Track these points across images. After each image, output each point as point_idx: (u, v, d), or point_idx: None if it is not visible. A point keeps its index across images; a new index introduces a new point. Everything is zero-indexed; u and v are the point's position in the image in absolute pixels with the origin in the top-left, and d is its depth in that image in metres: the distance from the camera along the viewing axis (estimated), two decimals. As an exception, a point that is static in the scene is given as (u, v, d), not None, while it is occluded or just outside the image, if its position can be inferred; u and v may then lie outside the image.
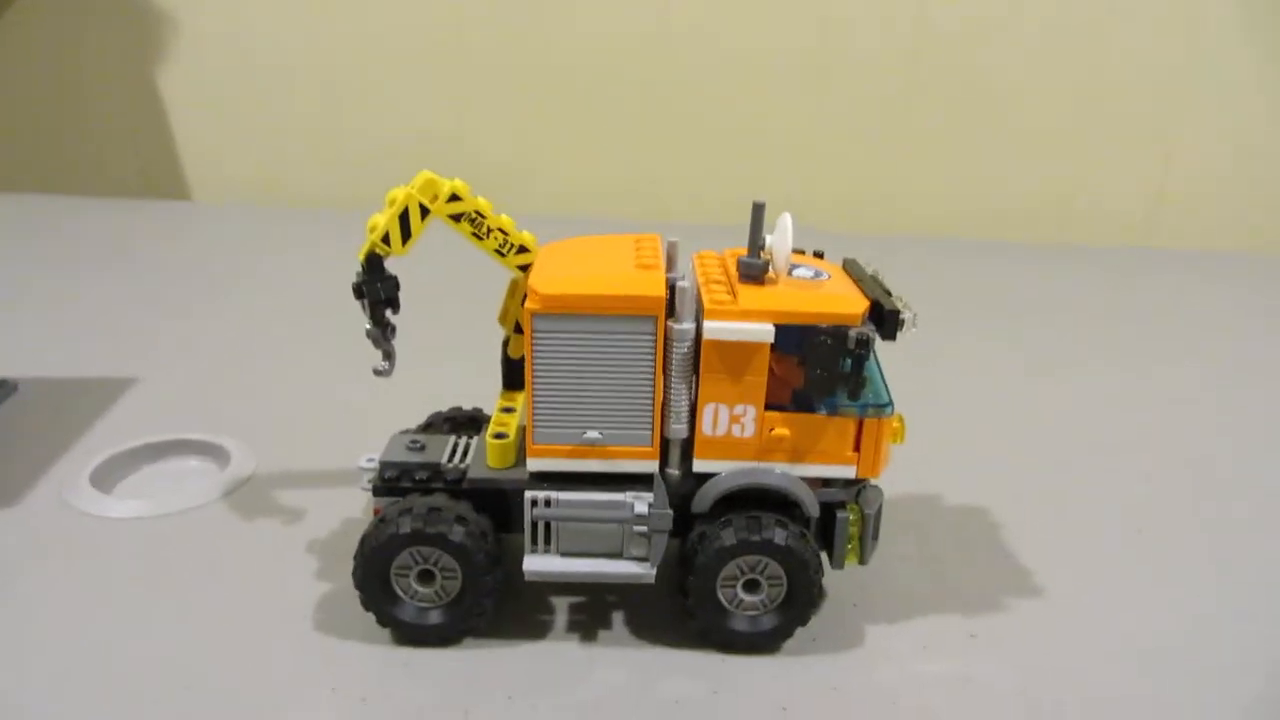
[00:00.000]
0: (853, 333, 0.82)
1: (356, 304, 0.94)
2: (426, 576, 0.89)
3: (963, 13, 2.40)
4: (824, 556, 0.92)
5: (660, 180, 2.57)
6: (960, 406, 1.46)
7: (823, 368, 0.84)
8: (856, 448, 0.88)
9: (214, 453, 1.26)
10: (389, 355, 0.96)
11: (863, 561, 0.93)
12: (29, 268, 1.94)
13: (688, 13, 2.43)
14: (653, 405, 0.86)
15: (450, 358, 1.56)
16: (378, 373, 0.96)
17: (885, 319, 0.83)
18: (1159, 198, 2.53)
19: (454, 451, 0.96)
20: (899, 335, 0.84)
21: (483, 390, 1.12)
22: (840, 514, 0.90)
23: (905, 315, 0.83)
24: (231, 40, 2.51)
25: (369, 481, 0.94)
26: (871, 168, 2.54)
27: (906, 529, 1.11)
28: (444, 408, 1.09)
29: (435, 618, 0.90)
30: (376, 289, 0.92)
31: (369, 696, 0.84)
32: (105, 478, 1.19)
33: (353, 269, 0.92)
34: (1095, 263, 2.33)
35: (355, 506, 1.13)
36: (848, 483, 0.90)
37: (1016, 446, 1.37)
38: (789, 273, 0.88)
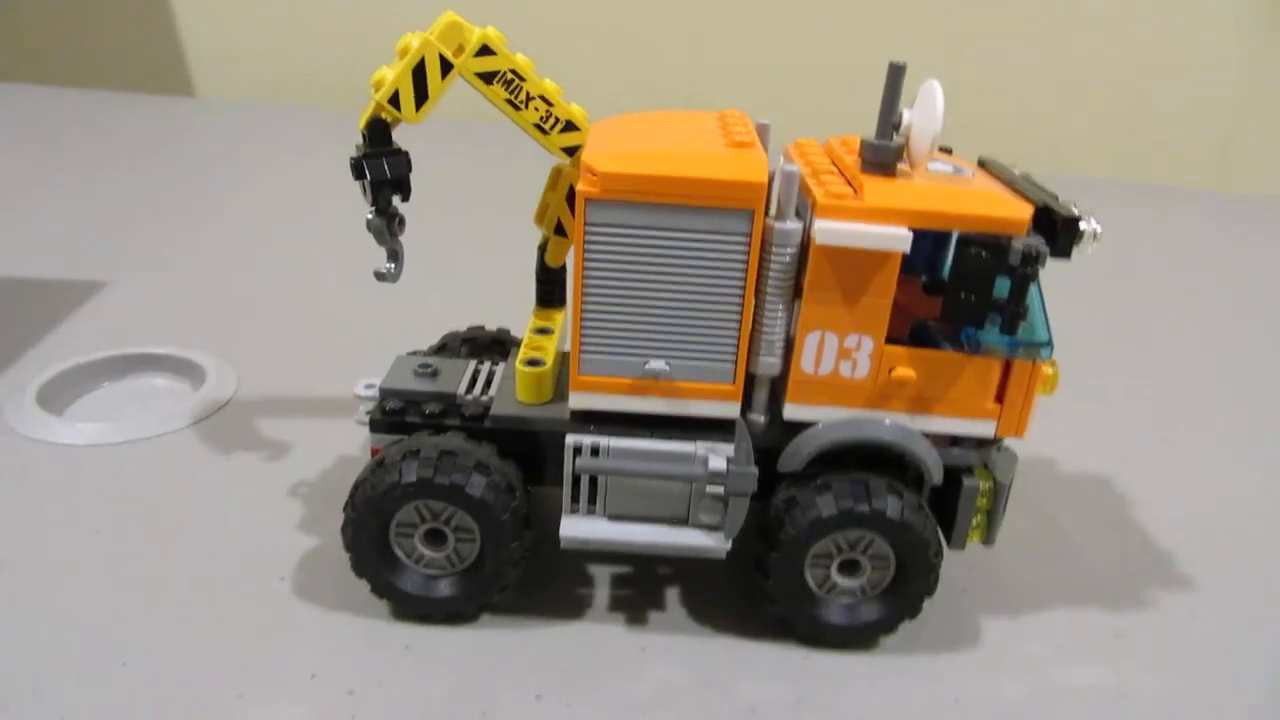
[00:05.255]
0: (1018, 244, 0.61)
1: (358, 192, 0.73)
2: (436, 537, 0.70)
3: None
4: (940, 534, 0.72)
5: (702, 81, 2.33)
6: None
7: (971, 290, 0.63)
8: (999, 398, 0.67)
9: (187, 370, 1.06)
10: (395, 255, 0.76)
11: (988, 542, 0.73)
12: (10, 161, 1.73)
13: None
14: (738, 330, 0.65)
15: (474, 265, 1.37)
16: (380, 276, 0.75)
17: (1060, 229, 0.62)
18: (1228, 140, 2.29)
19: (474, 380, 0.76)
20: (1076, 252, 0.63)
21: (511, 307, 0.92)
22: (968, 481, 0.70)
23: (1086, 225, 0.62)
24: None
25: (366, 414, 0.74)
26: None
27: (1020, 499, 0.91)
28: (462, 326, 0.89)
29: (445, 589, 0.71)
30: (381, 165, 0.71)
31: (357, 688, 0.66)
32: (55, 396, 1.00)
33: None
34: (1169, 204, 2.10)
35: (353, 442, 0.94)
36: (980, 442, 0.70)
37: (1137, 402, 1.16)
38: (926, 166, 0.66)
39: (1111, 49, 2.24)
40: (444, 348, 0.87)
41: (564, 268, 0.81)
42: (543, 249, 0.81)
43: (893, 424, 0.68)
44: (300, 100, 2.31)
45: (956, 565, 0.81)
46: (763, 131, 0.71)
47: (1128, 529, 0.90)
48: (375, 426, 0.73)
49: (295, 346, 1.13)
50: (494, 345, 0.86)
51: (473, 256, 1.41)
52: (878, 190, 0.62)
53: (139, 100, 2.31)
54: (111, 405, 1.01)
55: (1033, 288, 0.64)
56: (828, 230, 0.61)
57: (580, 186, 0.62)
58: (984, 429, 0.68)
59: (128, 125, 2.09)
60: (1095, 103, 2.29)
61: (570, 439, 0.68)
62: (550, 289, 0.82)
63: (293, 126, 2.08)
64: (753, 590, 0.72)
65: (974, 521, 0.72)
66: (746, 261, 0.63)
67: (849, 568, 0.70)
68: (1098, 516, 0.92)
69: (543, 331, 0.78)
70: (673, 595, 0.76)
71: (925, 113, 0.62)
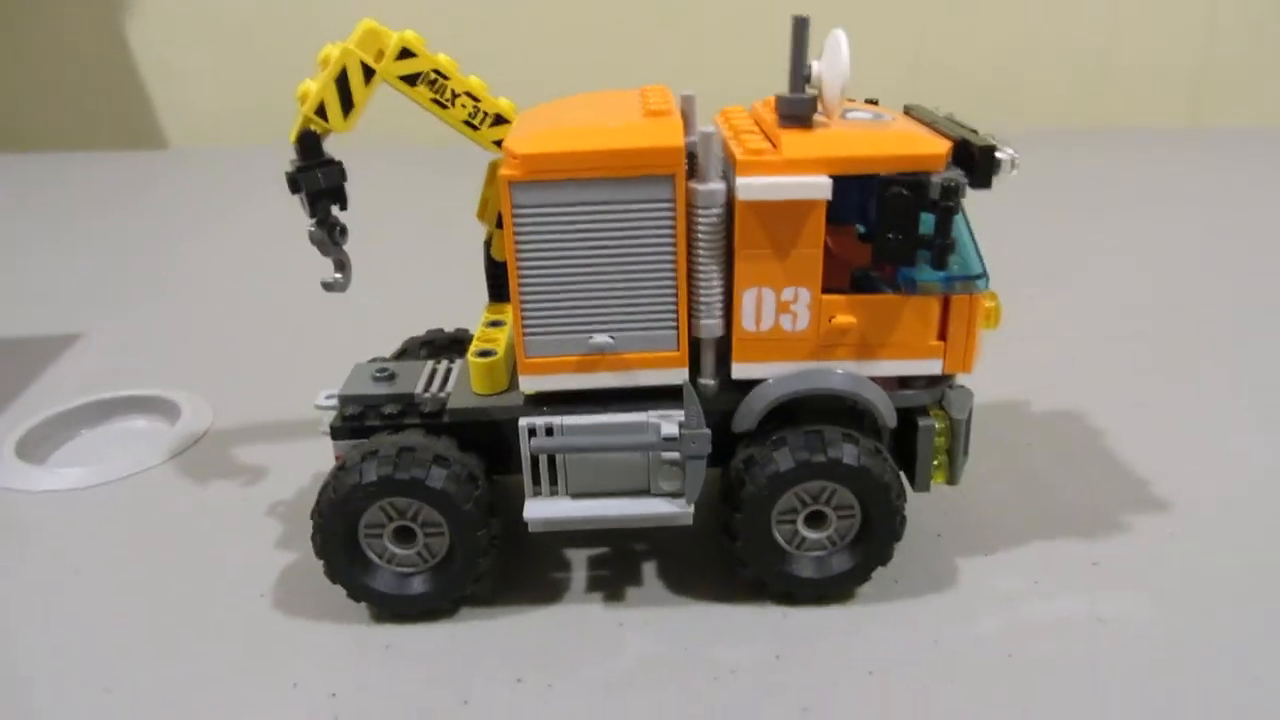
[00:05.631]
0: (936, 179, 0.62)
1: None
2: (405, 535, 0.71)
3: None
4: (903, 477, 0.73)
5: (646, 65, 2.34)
6: (1027, 296, 1.26)
7: (897, 229, 0.63)
8: (942, 335, 0.68)
9: (163, 409, 1.07)
10: (342, 264, 0.77)
11: (952, 481, 0.74)
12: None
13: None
14: (675, 296, 0.66)
15: (431, 273, 1.39)
16: (328, 286, 0.77)
17: (978, 160, 0.63)
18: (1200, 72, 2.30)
19: (431, 379, 0.77)
20: (996, 181, 0.64)
21: (472, 309, 0.93)
22: (923, 422, 0.70)
23: (1003, 154, 0.63)
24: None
25: (329, 425, 0.75)
26: (894, 36, 2.31)
27: (990, 442, 0.92)
28: (420, 331, 0.90)
29: (419, 585, 0.71)
30: (315, 177, 0.72)
31: (340, 690, 0.66)
32: (35, 447, 1.01)
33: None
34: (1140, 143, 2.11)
35: (327, 460, 0.94)
36: (930, 381, 0.71)
37: (1100, 339, 1.17)
38: (842, 116, 0.67)
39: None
40: (404, 353, 0.88)
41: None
42: (489, 244, 0.82)
43: (840, 372, 0.68)
44: (266, 142, 2.33)
45: (929, 511, 0.82)
46: (688, 102, 0.72)
47: (1098, 461, 0.91)
48: (336, 434, 0.74)
49: (267, 375, 1.14)
50: (453, 345, 0.87)
51: (431, 264, 1.44)
52: (794, 142, 0.63)
53: (111, 158, 2.34)
54: (91, 450, 1.02)
55: (960, 221, 0.65)
56: (749, 186, 0.62)
57: (503, 171, 0.63)
58: (930, 368, 0.69)
59: (99, 181, 2.12)
60: (1063, 52, 2.31)
61: (523, 421, 0.68)
62: (500, 283, 0.83)
63: (256, 167, 2.10)
64: (722, 556, 0.73)
65: (935, 462, 0.72)
66: (674, 227, 0.64)
67: (815, 520, 0.71)
68: (1067, 451, 0.92)
69: (494, 324, 0.79)
70: (649, 570, 0.77)
71: (832, 62, 0.63)
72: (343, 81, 0.71)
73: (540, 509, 0.69)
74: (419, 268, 1.44)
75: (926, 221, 0.64)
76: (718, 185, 0.63)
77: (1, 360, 1.20)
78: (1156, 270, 1.40)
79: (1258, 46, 2.29)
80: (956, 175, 0.62)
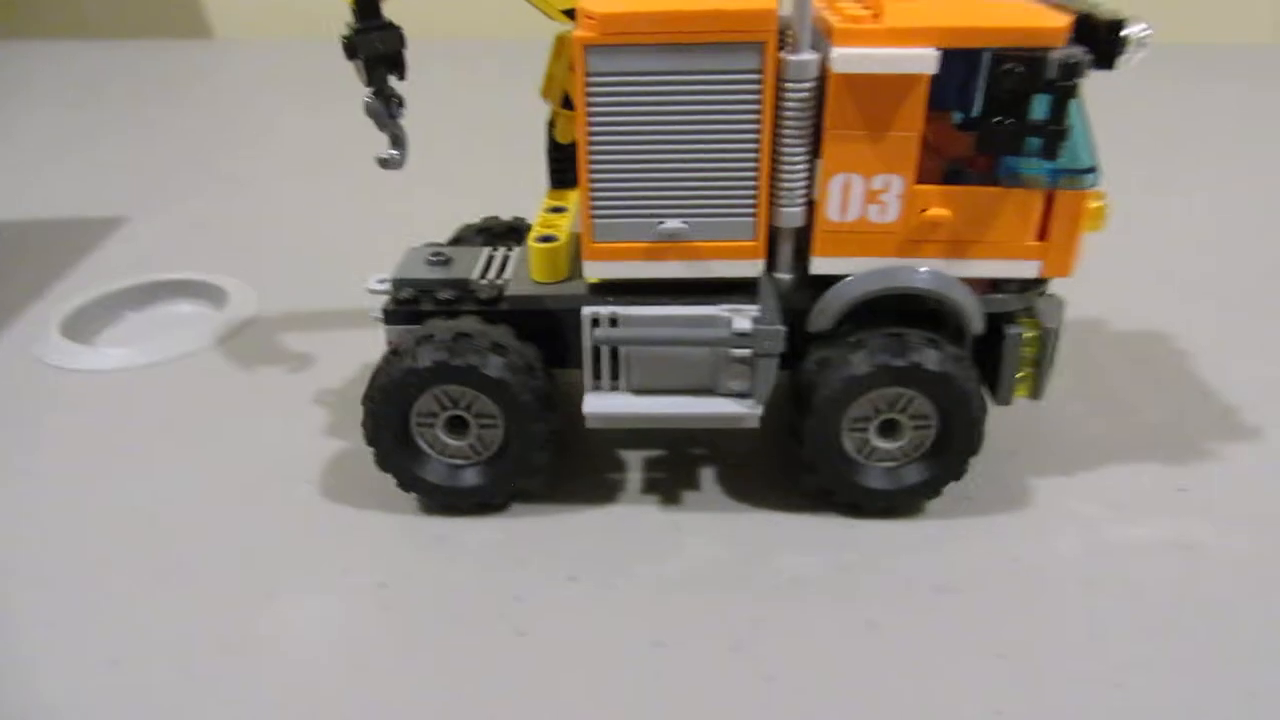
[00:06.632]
0: (1055, 55, 0.56)
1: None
2: (458, 425, 0.68)
3: None
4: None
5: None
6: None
7: (1007, 112, 0.58)
8: (1043, 234, 0.63)
9: (210, 294, 1.05)
10: (398, 140, 0.73)
11: (1036, 395, 0.69)
12: (25, 111, 1.73)
13: None
14: (756, 180, 0.61)
15: (488, 163, 1.35)
16: (383, 162, 0.73)
17: (1103, 36, 0.57)
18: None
19: (488, 265, 0.73)
20: (1120, 62, 0.57)
21: (528, 202, 0.89)
22: (1010, 330, 0.66)
23: (1132, 30, 0.57)
24: None
25: (381, 309, 0.72)
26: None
27: (1066, 358, 0.86)
28: (475, 219, 0.86)
29: (472, 478, 0.69)
30: (372, 41, 0.68)
31: (390, 580, 0.65)
32: (82, 327, 0.99)
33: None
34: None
35: (376, 350, 0.91)
36: (1022, 286, 0.66)
37: (1188, 261, 1.10)
38: (947, -14, 0.61)
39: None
40: (459, 240, 0.84)
41: (574, 143, 0.77)
42: (551, 125, 0.77)
43: (928, 271, 0.63)
44: (313, 36, 2.27)
45: (1001, 428, 0.77)
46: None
47: (1183, 383, 0.85)
48: (390, 318, 0.71)
49: (314, 265, 1.12)
50: (509, 234, 0.83)
51: (485, 157, 1.40)
52: (898, 11, 0.57)
53: (158, 45, 2.30)
54: (136, 332, 1.00)
55: (1074, 108, 0.59)
56: (846, 57, 0.56)
57: (577, 33, 0.58)
58: (1027, 270, 0.63)
59: (148, 70, 2.08)
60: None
61: (586, 310, 0.64)
62: (562, 168, 0.79)
63: (304, 62, 2.05)
64: (789, 464, 0.69)
65: (1021, 374, 0.68)
66: (761, 102, 0.58)
67: (888, 430, 0.67)
68: (1151, 371, 0.87)
69: (556, 210, 0.75)
70: (707, 475, 0.74)
71: (946, -81, 0.56)
72: (403, -64, 0.65)
73: (600, 403, 0.66)
74: (473, 159, 1.40)
75: (1038, 104, 0.58)
76: (810, 56, 0.57)
77: (50, 240, 1.19)
78: (1251, 193, 1.31)
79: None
80: (1078, 52, 0.56)
